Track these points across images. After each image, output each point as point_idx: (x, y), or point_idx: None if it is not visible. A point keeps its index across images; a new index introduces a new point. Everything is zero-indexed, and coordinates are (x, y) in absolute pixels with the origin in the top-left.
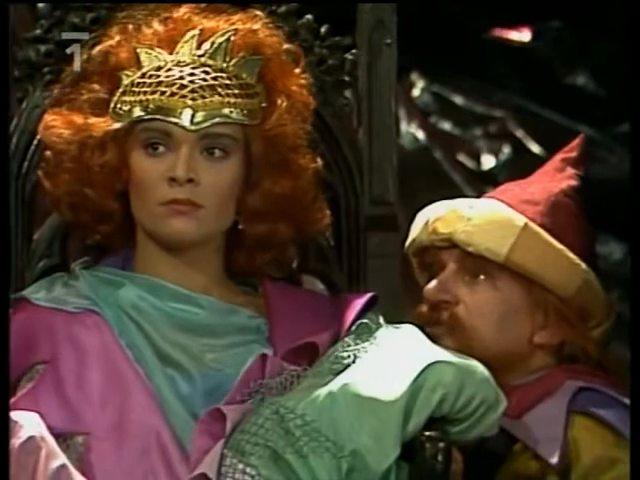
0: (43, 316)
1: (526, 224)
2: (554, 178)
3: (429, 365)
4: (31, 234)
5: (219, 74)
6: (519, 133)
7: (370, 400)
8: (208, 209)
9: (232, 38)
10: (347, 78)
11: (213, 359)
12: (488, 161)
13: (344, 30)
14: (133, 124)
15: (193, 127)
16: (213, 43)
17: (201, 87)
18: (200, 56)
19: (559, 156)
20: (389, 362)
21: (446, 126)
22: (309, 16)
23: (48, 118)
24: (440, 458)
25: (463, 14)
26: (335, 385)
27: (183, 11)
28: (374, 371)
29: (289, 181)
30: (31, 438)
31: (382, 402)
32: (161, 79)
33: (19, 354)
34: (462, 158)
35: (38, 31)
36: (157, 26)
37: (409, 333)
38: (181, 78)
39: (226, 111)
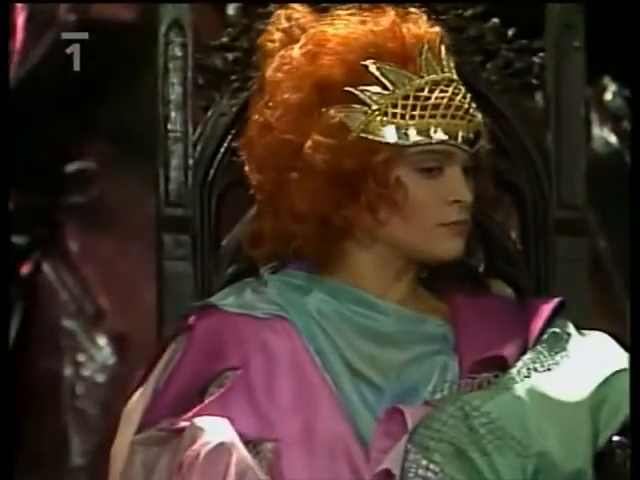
0: (233, 322)
1: None
2: None
3: (615, 373)
4: (219, 240)
5: (464, 89)
6: None
7: (557, 402)
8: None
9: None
10: (534, 81)
11: (398, 370)
12: None
13: (532, 33)
14: (403, 147)
15: (468, 148)
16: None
17: (462, 107)
18: (443, 71)
19: None
20: (578, 369)
21: None
22: (495, 19)
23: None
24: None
25: None
26: (522, 387)
27: (390, 19)
28: (563, 376)
29: None
30: (222, 444)
31: (568, 404)
32: (432, 101)
33: (208, 360)
34: None
35: (225, 39)
36: (371, 37)
37: (598, 340)
38: (450, 99)
39: (482, 129)
